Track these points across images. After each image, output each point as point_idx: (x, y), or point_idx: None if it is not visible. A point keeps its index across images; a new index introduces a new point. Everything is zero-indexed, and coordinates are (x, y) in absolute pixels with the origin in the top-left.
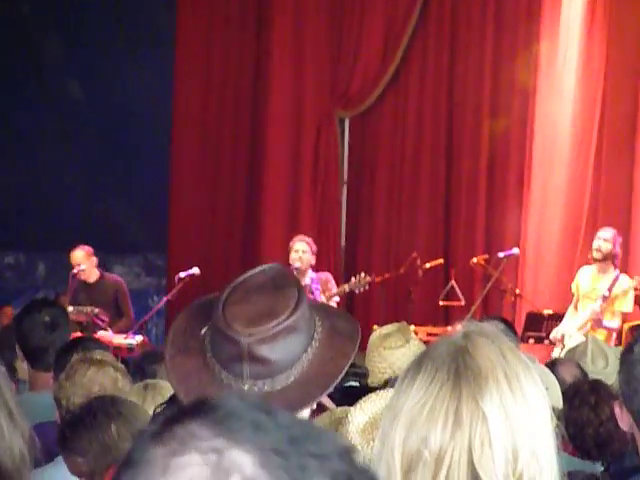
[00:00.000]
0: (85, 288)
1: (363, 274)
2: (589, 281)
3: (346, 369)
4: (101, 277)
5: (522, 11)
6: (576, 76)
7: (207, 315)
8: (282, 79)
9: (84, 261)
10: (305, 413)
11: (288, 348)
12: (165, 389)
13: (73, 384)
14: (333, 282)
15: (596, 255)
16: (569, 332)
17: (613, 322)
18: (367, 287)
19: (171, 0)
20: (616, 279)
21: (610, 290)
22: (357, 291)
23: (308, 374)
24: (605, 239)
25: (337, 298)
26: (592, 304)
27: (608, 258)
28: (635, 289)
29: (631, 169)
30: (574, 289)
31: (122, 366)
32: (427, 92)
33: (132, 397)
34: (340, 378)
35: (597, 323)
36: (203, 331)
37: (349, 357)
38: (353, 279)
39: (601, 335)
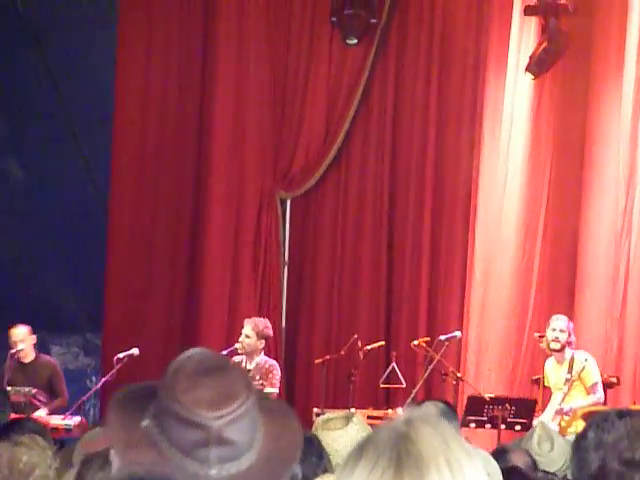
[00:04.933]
0: (21, 368)
1: None
2: (553, 373)
3: (301, 443)
4: (36, 358)
5: (466, 95)
6: (522, 161)
7: (139, 408)
8: (223, 160)
9: (25, 338)
10: None
11: (248, 428)
12: None
13: None
14: (277, 372)
15: (554, 346)
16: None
17: (590, 398)
18: None
19: (110, 76)
20: (572, 360)
21: (570, 372)
22: None
23: (267, 452)
24: (561, 329)
25: (276, 390)
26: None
27: (564, 347)
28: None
29: (575, 253)
30: (546, 382)
31: (47, 450)
32: (369, 173)
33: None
34: (299, 452)
35: (560, 413)
36: (145, 423)
37: (299, 431)
38: None
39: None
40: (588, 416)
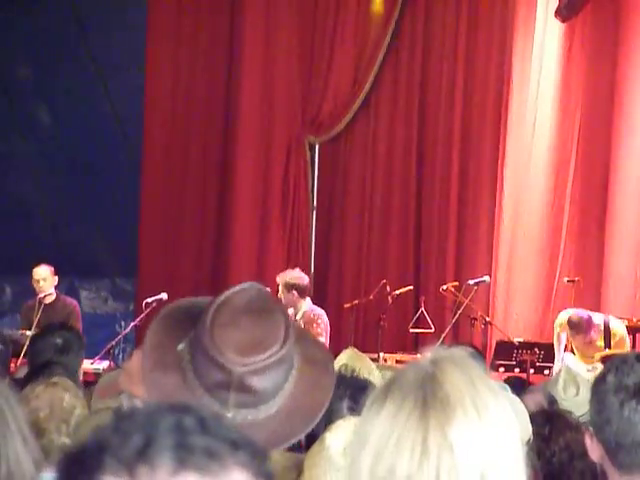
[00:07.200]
0: (42, 309)
1: None
2: None
3: (327, 403)
4: (57, 299)
5: (495, 40)
6: (551, 106)
7: (183, 328)
8: (252, 105)
9: (47, 277)
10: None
11: (275, 379)
12: None
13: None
14: (322, 321)
15: (593, 352)
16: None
17: None
18: None
19: (140, 24)
20: (607, 329)
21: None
22: None
23: (291, 406)
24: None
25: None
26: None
27: (594, 340)
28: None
29: (605, 198)
30: None
31: (78, 390)
32: (398, 118)
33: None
34: (322, 412)
35: None
36: (181, 346)
37: (329, 390)
38: None
39: None
40: (607, 359)
